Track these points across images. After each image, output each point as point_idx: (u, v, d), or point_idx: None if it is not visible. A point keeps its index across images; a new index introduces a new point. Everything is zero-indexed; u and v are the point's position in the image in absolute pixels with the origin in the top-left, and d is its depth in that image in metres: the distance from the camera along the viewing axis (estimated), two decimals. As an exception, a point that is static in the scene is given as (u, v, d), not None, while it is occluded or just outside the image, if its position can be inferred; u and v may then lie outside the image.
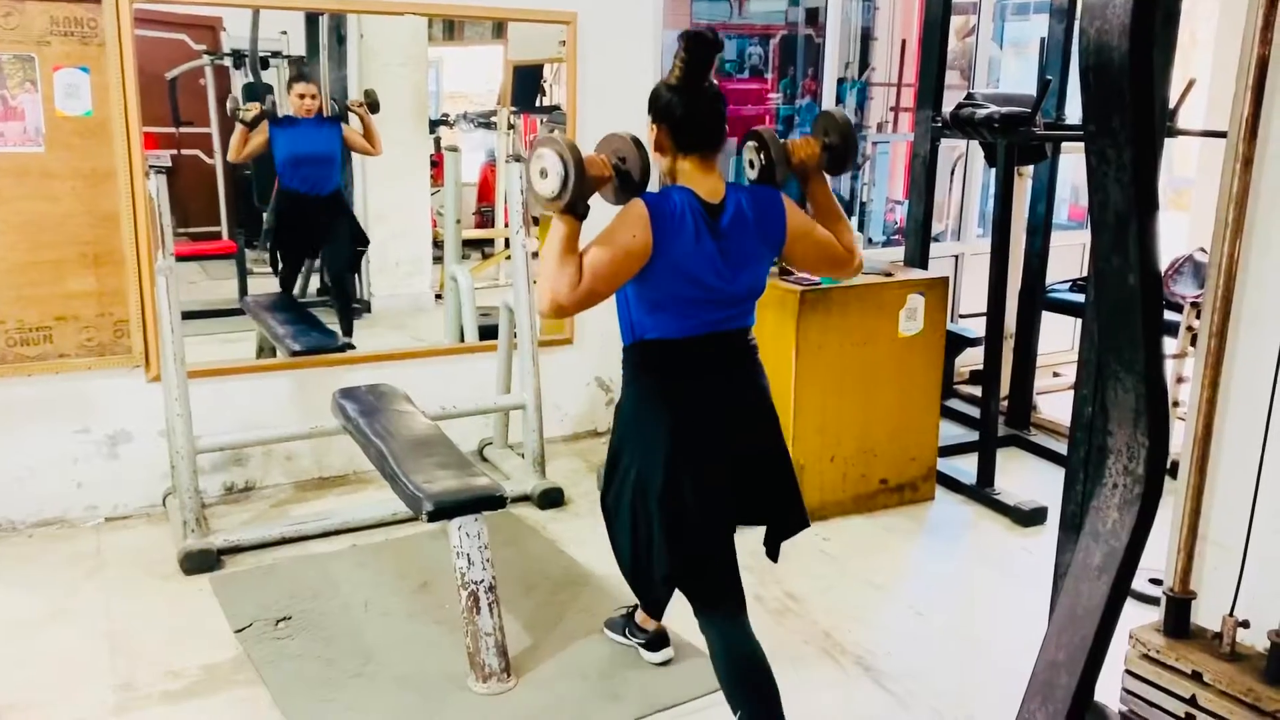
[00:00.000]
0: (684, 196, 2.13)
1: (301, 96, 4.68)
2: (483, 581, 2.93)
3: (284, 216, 4.82)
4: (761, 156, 2.27)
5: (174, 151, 4.69)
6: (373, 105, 4.75)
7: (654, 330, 2.18)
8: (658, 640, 3.06)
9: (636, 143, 2.14)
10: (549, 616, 3.38)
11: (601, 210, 2.24)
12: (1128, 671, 2.11)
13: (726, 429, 2.25)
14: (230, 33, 4.75)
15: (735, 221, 2.16)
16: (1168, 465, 1.92)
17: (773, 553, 2.51)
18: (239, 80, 4.85)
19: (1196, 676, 1.97)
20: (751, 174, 2.30)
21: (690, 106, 2.13)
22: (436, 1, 4.41)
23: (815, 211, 2.37)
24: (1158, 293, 1.78)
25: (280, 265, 4.95)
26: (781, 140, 2.30)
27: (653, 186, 2.26)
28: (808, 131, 2.47)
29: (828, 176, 2.41)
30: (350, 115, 4.78)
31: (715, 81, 2.19)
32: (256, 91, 4.77)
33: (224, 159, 4.84)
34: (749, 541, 2.49)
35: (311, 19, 4.81)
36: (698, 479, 2.20)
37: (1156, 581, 2.89)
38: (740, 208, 2.18)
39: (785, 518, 2.42)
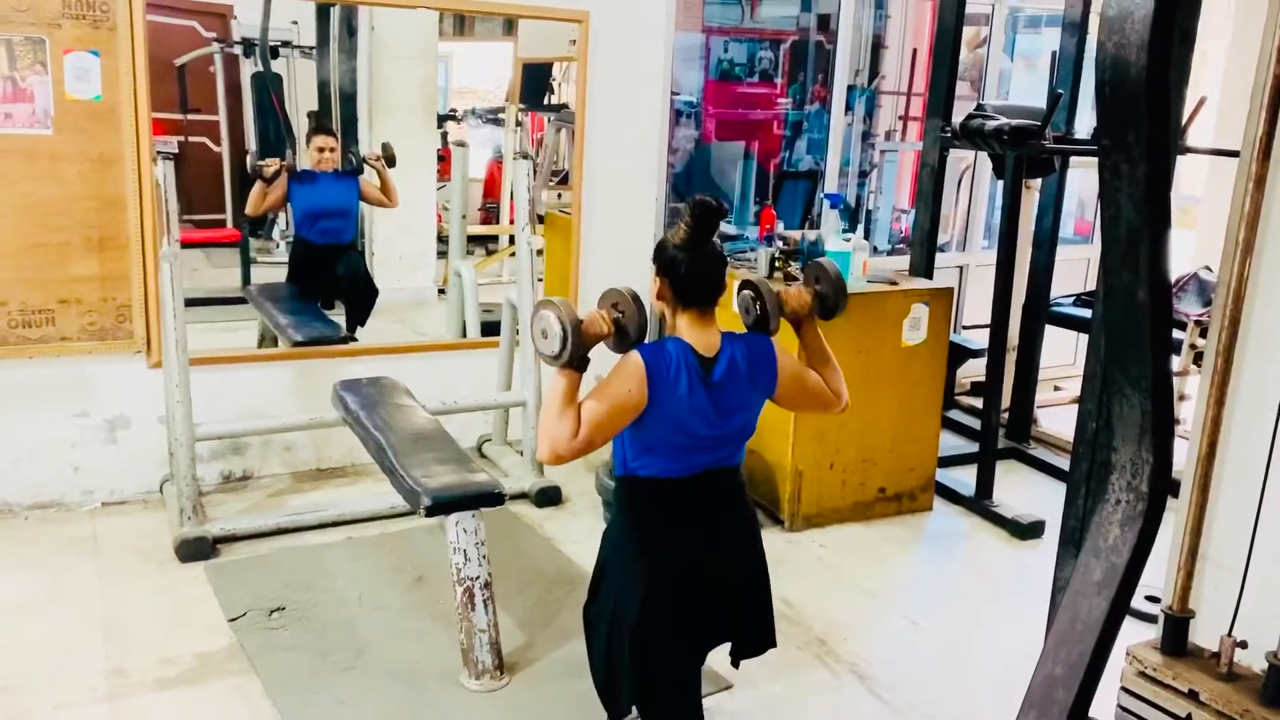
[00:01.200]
0: (679, 350, 2.22)
1: (321, 150, 4.68)
2: (478, 578, 2.92)
3: (301, 267, 4.82)
4: (757, 306, 2.37)
5: (181, 138, 4.68)
6: (389, 159, 4.75)
7: (645, 468, 2.27)
8: None
9: (635, 297, 2.23)
10: (543, 614, 3.37)
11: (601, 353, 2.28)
12: (1124, 689, 2.10)
13: (708, 566, 2.33)
14: (241, 21, 4.74)
15: (728, 372, 2.25)
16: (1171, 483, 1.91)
17: (735, 663, 2.54)
18: (248, 68, 4.84)
19: (1193, 696, 1.96)
20: (747, 320, 2.40)
21: (693, 266, 2.23)
22: (449, -4, 4.40)
23: (807, 355, 2.46)
24: (1167, 309, 1.78)
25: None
26: (775, 290, 2.38)
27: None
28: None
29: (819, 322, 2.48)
30: (366, 168, 4.76)
31: (718, 241, 2.29)
32: (265, 82, 4.75)
33: (231, 147, 4.84)
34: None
35: (323, 9, 4.81)
36: (671, 620, 2.29)
37: (1154, 599, 2.88)
38: (734, 359, 2.27)
39: (755, 640, 2.48)
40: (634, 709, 2.39)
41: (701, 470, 2.28)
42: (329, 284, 4.87)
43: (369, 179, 4.78)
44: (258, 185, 4.56)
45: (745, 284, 2.41)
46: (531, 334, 2.23)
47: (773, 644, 2.49)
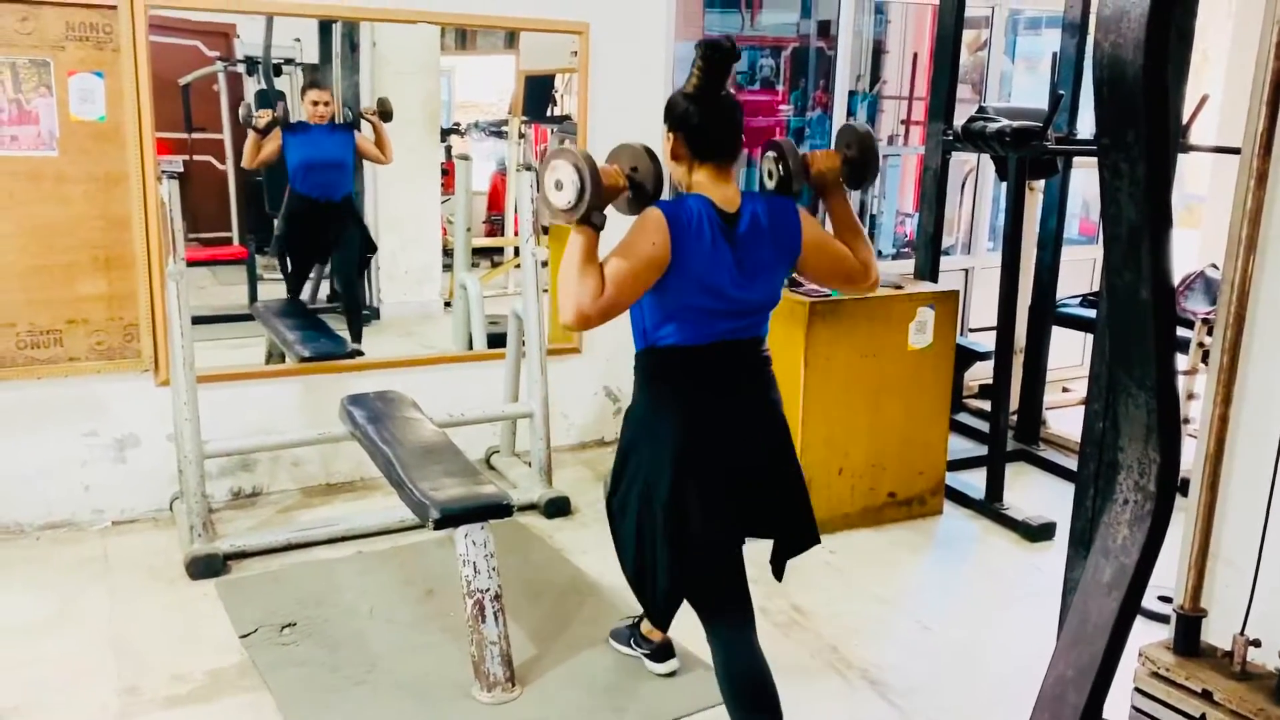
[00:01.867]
0: (700, 204, 2.13)
1: (315, 103, 4.71)
2: (488, 590, 2.92)
3: (295, 221, 4.84)
4: (780, 167, 2.27)
5: (186, 157, 4.71)
6: (385, 114, 4.77)
7: (667, 337, 2.18)
8: (662, 651, 3.05)
9: (649, 152, 2.14)
10: (554, 626, 3.37)
11: (614, 221, 2.24)
12: (1137, 689, 2.09)
13: (736, 439, 2.24)
14: (244, 39, 4.76)
15: (751, 230, 2.16)
16: (1179, 481, 1.91)
17: (778, 571, 2.49)
18: (252, 87, 4.87)
19: (1207, 695, 1.95)
20: (770, 184, 2.30)
21: (707, 115, 2.14)
22: (449, 10, 4.42)
23: (834, 225, 2.37)
24: (1170, 308, 1.77)
25: (289, 269, 4.96)
26: (801, 152, 2.29)
27: (666, 195, 2.27)
28: (819, 144, 2.48)
29: (849, 191, 2.41)
30: (363, 123, 4.79)
31: (732, 91, 2.19)
32: (269, 98, 4.79)
33: (236, 165, 4.86)
34: (756, 554, 2.48)
35: (325, 26, 4.83)
36: (704, 488, 2.19)
37: (1166, 599, 2.87)
38: (756, 216, 2.18)
39: (794, 532, 2.40)
40: (674, 604, 2.29)
41: (724, 339, 2.18)
42: (324, 239, 4.87)
43: (365, 134, 4.78)
44: (251, 137, 4.57)
45: (770, 144, 2.30)
46: (542, 188, 2.09)
47: (816, 540, 2.39)
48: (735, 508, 2.27)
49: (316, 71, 4.87)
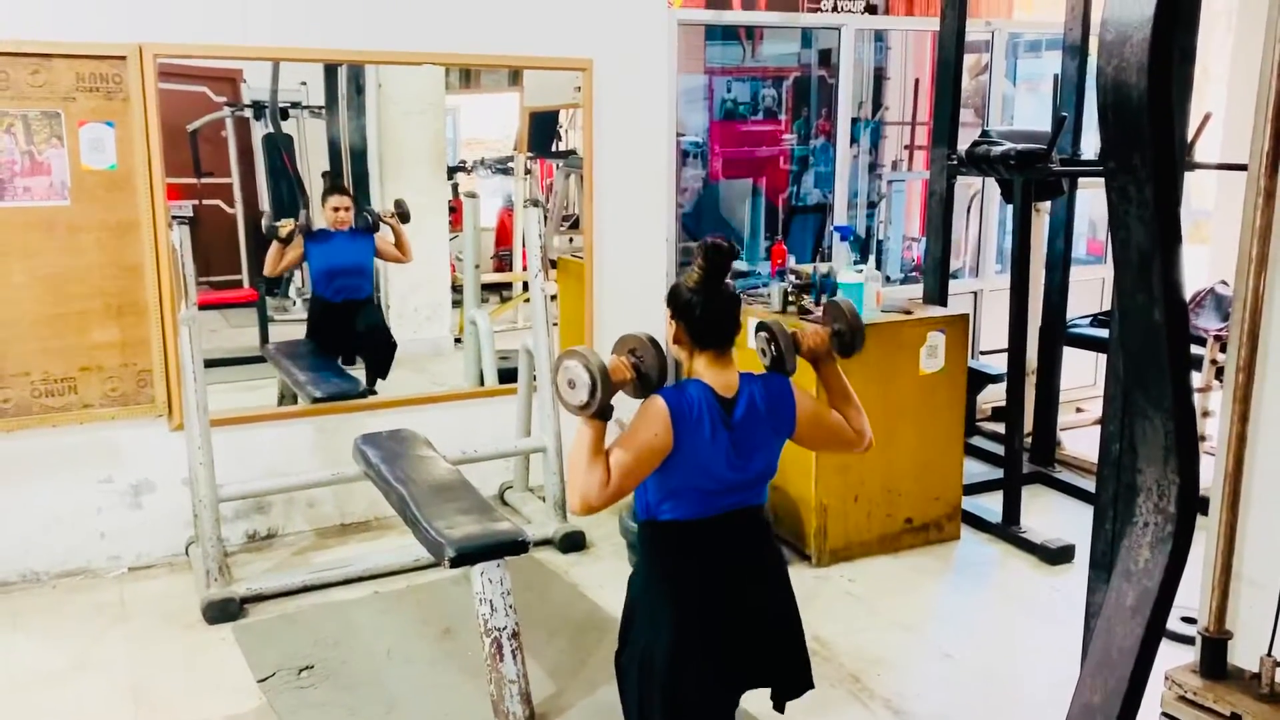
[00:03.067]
0: (700, 392, 2.24)
1: (336, 209, 4.76)
2: (505, 628, 2.91)
3: (320, 326, 4.89)
4: (772, 348, 2.38)
5: (196, 202, 4.75)
6: (404, 215, 4.83)
7: (667, 512, 2.28)
8: None
9: (653, 342, 2.23)
10: (572, 662, 3.35)
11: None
12: (1164, 714, 2.06)
13: (734, 607, 2.32)
14: (250, 84, 4.81)
15: (748, 414, 2.26)
16: (1199, 502, 1.89)
17: (779, 707, 2.51)
18: (259, 130, 4.91)
19: (1235, 719, 1.93)
20: (764, 361, 2.41)
21: (708, 308, 2.25)
22: (454, 51, 4.47)
23: (827, 394, 2.46)
24: (1184, 328, 1.77)
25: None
26: (790, 330, 2.40)
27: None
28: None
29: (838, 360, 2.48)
30: (382, 225, 4.84)
31: (731, 283, 2.30)
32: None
33: (245, 207, 4.90)
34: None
35: (330, 70, 4.88)
36: (700, 664, 2.28)
37: (1190, 620, 2.84)
38: (753, 400, 2.28)
39: (791, 682, 2.45)
40: None
41: (724, 511, 2.27)
42: (348, 340, 4.92)
43: (384, 236, 4.84)
44: (274, 246, 4.62)
45: (761, 325, 2.42)
46: (556, 386, 2.22)
47: (810, 685, 2.47)
48: (732, 676, 2.34)
49: (337, 177, 4.94)
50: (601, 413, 2.16)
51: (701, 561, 2.28)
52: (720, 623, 2.27)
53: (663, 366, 2.24)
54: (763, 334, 2.41)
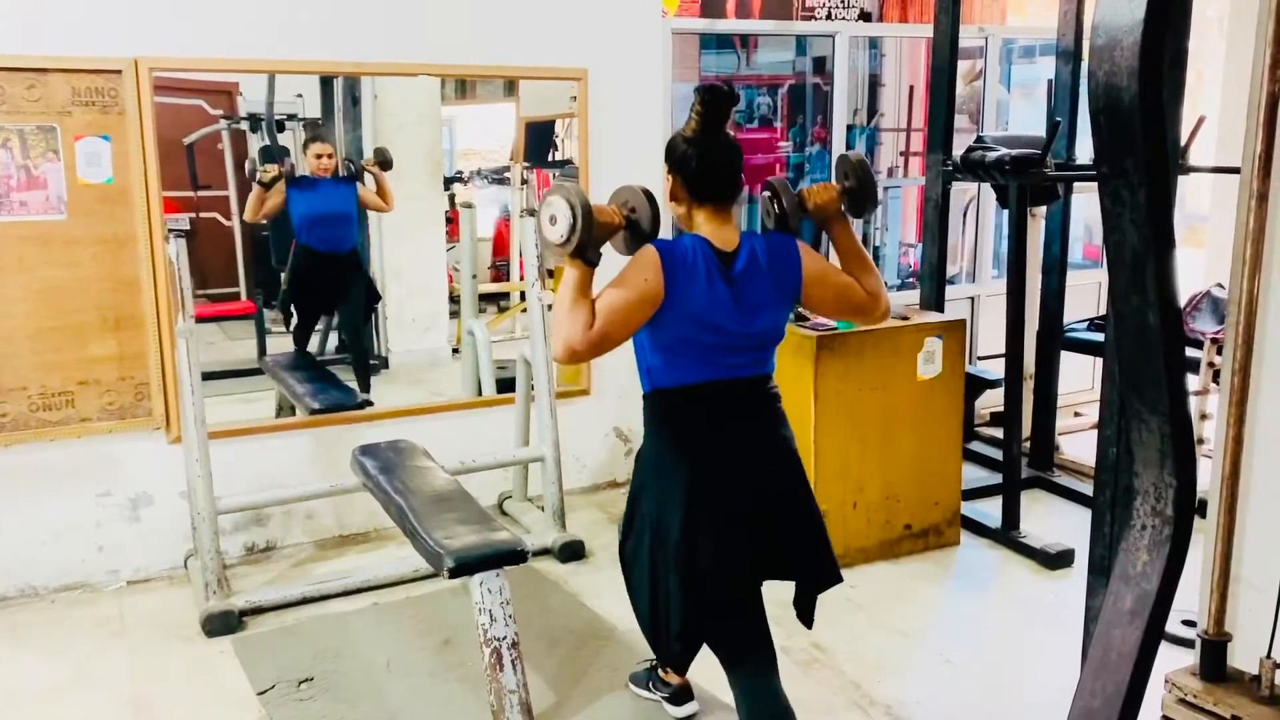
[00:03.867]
0: (696, 243, 2.15)
1: (319, 156, 4.77)
2: (505, 638, 2.90)
3: (301, 274, 4.89)
4: (775, 205, 2.28)
5: (192, 215, 4.75)
6: (384, 163, 4.83)
7: (671, 377, 2.18)
8: (681, 694, 3.02)
9: (647, 194, 2.16)
10: (573, 672, 3.34)
11: (613, 260, 2.25)
12: (1164, 717, 2.06)
13: (746, 477, 2.22)
14: (246, 97, 4.82)
15: (748, 268, 2.17)
16: (1196, 504, 1.90)
17: (805, 614, 2.44)
18: (256, 143, 4.92)
19: (1236, 721, 1.93)
20: (769, 223, 2.31)
21: (705, 158, 2.16)
22: (449, 62, 4.48)
23: (839, 256, 2.37)
24: (1178, 331, 1.77)
25: (296, 322, 4.99)
26: (797, 186, 2.31)
27: (665, 235, 2.28)
28: (820, 179, 2.49)
29: (851, 220, 2.41)
30: (364, 174, 4.84)
31: (731, 133, 2.21)
32: (274, 154, 4.84)
33: (241, 221, 4.91)
34: (776, 593, 2.46)
35: (326, 81, 4.89)
36: (716, 528, 2.17)
37: (1190, 623, 2.84)
38: (754, 254, 2.18)
39: (814, 571, 2.37)
40: (689, 651, 2.25)
41: (729, 376, 2.17)
42: (330, 290, 4.93)
43: (366, 186, 4.84)
44: (256, 191, 4.63)
45: (765, 184, 2.32)
46: (538, 224, 2.13)
47: (837, 579, 2.36)
48: (749, 548, 2.24)
49: (318, 125, 4.94)
50: (583, 252, 2.07)
51: (708, 425, 2.18)
52: (732, 490, 2.18)
53: (656, 217, 2.14)
54: (766, 193, 2.30)
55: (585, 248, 2.07)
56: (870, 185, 2.34)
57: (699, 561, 2.16)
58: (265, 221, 4.82)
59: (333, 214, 4.84)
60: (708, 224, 2.18)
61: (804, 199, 2.31)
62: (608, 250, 2.23)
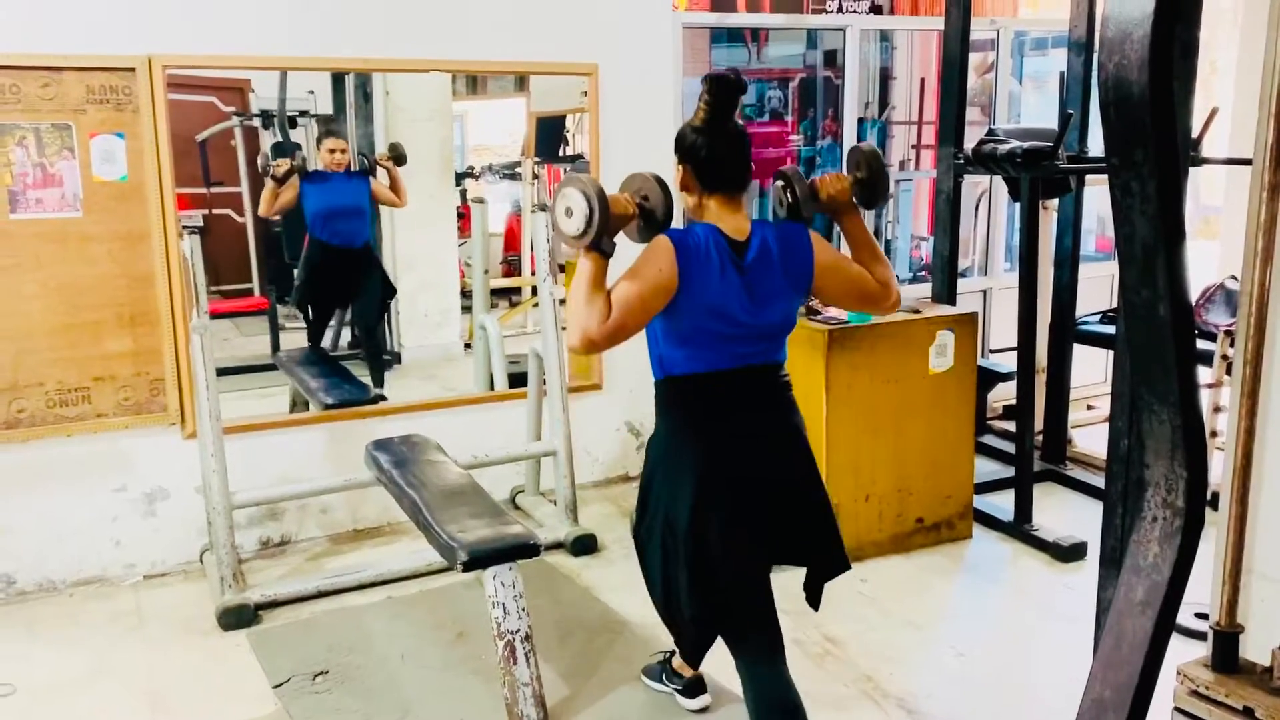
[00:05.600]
0: (708, 232, 2.16)
1: (331, 151, 4.80)
2: (519, 631, 2.92)
3: (315, 268, 4.91)
4: (788, 195, 2.29)
5: (206, 211, 4.78)
6: (398, 158, 4.85)
7: (682, 365, 2.19)
8: (694, 686, 3.03)
9: (659, 181, 2.17)
10: (586, 665, 3.36)
11: (626, 249, 2.26)
12: (1177, 709, 2.06)
13: (757, 466, 2.23)
14: (258, 94, 4.85)
15: (760, 257, 2.18)
16: (1208, 496, 1.90)
17: (813, 599, 2.46)
18: (268, 140, 4.94)
19: (1248, 712, 1.93)
20: (781, 212, 2.31)
21: (714, 147, 2.17)
22: (460, 58, 4.49)
23: (850, 246, 2.38)
24: (1189, 323, 1.77)
25: (310, 317, 5.02)
26: (808, 178, 2.31)
27: (677, 224, 2.29)
28: (833, 170, 2.49)
29: (863, 211, 2.41)
30: (378, 169, 4.86)
31: (740, 122, 2.21)
32: (286, 149, 4.87)
33: (254, 217, 4.93)
34: (787, 584, 2.47)
35: (338, 78, 4.91)
36: (725, 514, 2.19)
37: (1203, 616, 2.83)
38: (765, 243, 2.19)
39: (823, 558, 2.39)
40: (704, 638, 2.27)
41: (740, 364, 2.19)
42: (345, 285, 4.95)
43: (380, 181, 4.86)
44: (269, 185, 4.65)
45: (778, 173, 2.33)
46: (553, 216, 2.13)
47: (846, 565, 2.38)
48: (759, 533, 2.26)
49: (331, 121, 4.96)
50: (599, 244, 2.08)
51: (719, 413, 2.19)
52: (743, 476, 2.19)
53: (669, 206, 2.15)
54: (779, 182, 2.31)
55: (601, 239, 2.07)
56: (882, 176, 2.34)
57: (708, 549, 2.18)
58: (279, 217, 4.84)
59: (346, 208, 4.86)
60: (720, 213, 2.19)
61: (816, 189, 2.32)
62: (621, 239, 2.24)
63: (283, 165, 4.65)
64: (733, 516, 2.18)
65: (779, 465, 2.27)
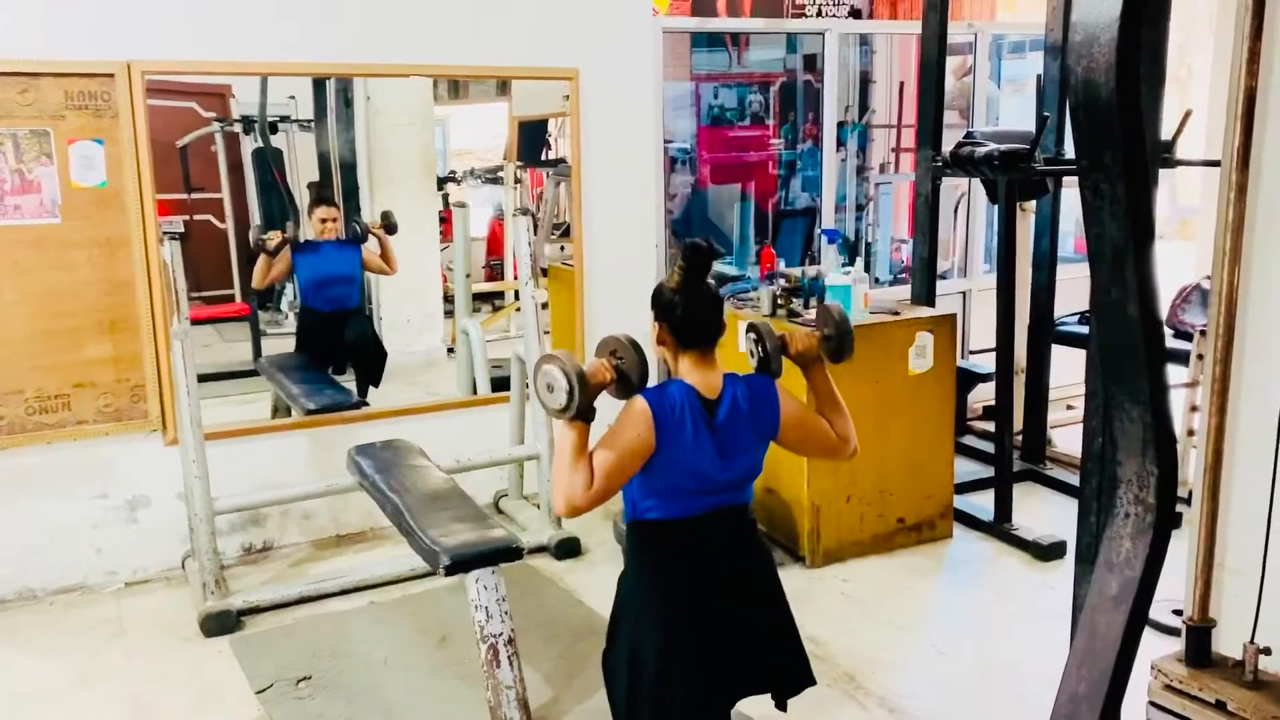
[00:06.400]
0: (682, 393, 2.26)
1: (324, 220, 4.80)
2: (501, 634, 2.93)
3: (310, 334, 4.92)
4: (759, 349, 2.39)
5: (186, 217, 4.77)
6: (389, 227, 4.86)
7: (652, 510, 2.30)
8: None
9: (633, 343, 2.26)
10: (569, 668, 3.37)
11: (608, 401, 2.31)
12: (1151, 703, 2.09)
13: (722, 607, 2.33)
14: (239, 99, 4.84)
15: (731, 415, 2.28)
16: (1180, 492, 1.92)
17: (781, 705, 2.53)
18: (249, 145, 4.94)
19: (1220, 706, 1.96)
20: (752, 363, 2.43)
21: (689, 308, 2.28)
22: (441, 63, 4.50)
23: (815, 397, 2.47)
24: (1158, 322, 1.80)
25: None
26: (778, 333, 2.41)
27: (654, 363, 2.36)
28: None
29: (828, 365, 2.50)
30: (370, 236, 4.86)
31: (712, 283, 2.32)
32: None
33: (236, 222, 4.93)
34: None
35: (319, 83, 4.91)
36: (690, 666, 2.28)
37: (1180, 613, 2.86)
38: (736, 400, 2.30)
39: (790, 682, 2.46)
40: None
41: (709, 510, 2.29)
42: (338, 349, 4.94)
43: (370, 247, 4.86)
44: (262, 259, 4.64)
45: (750, 326, 2.44)
46: (535, 390, 2.25)
47: (811, 681, 2.46)
48: (725, 672, 2.34)
49: (323, 188, 4.96)
50: (582, 415, 2.18)
51: (688, 561, 2.30)
52: (709, 623, 2.28)
53: (643, 367, 2.25)
54: (751, 335, 2.42)
55: (583, 411, 2.19)
56: (848, 334, 2.47)
57: (673, 695, 2.27)
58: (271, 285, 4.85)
59: (338, 276, 4.88)
60: (693, 369, 2.30)
61: (786, 343, 2.42)
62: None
63: (274, 238, 4.66)
64: (696, 665, 2.29)
65: (747, 604, 2.38)
